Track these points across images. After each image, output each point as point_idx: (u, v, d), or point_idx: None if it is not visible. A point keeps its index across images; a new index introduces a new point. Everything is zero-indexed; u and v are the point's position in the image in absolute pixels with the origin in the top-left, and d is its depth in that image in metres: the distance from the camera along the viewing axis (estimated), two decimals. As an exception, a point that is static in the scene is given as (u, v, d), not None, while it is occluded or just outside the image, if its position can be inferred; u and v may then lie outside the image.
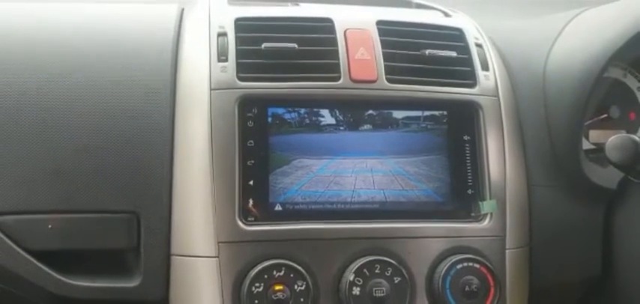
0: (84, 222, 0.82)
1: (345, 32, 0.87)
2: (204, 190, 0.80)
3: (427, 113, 0.87)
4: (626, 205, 0.91)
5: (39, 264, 0.82)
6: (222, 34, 0.87)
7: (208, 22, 0.89)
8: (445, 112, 0.87)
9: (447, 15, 1.00)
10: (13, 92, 0.84)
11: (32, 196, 0.81)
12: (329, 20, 0.89)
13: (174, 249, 0.83)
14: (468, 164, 0.87)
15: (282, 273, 0.78)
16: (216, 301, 0.79)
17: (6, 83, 0.84)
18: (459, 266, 0.82)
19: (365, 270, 0.80)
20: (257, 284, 0.78)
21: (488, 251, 0.85)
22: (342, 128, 0.85)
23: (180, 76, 0.86)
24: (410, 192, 0.85)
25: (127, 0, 1.01)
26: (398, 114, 0.86)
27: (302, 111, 0.84)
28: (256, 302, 0.78)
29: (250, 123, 0.83)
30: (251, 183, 0.81)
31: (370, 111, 0.86)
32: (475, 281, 0.82)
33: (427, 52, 0.89)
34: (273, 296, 0.78)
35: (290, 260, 0.79)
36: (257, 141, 0.82)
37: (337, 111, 0.85)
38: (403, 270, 0.81)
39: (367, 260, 0.80)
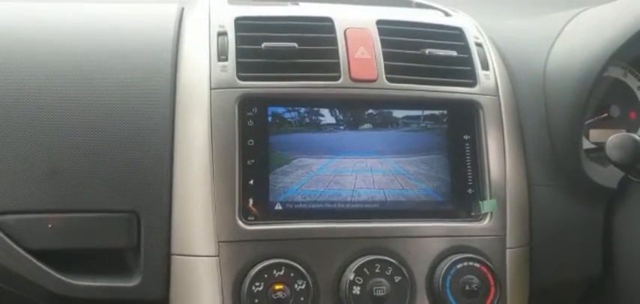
0: (84, 222, 0.82)
1: (345, 31, 0.87)
2: (204, 189, 0.80)
3: (427, 112, 0.87)
4: (626, 204, 0.91)
5: (39, 264, 0.82)
6: (222, 34, 0.87)
7: (208, 21, 0.89)
8: (445, 112, 0.87)
9: (447, 14, 1.00)
10: (13, 91, 0.84)
11: (32, 195, 0.81)
12: (329, 19, 0.89)
13: (174, 249, 0.82)
14: (468, 163, 0.87)
15: (282, 273, 0.78)
16: (217, 300, 0.79)
17: (6, 82, 0.84)
18: (459, 266, 0.82)
19: (365, 270, 0.80)
20: (257, 284, 0.78)
21: (488, 250, 0.85)
22: (342, 127, 0.85)
23: (180, 76, 0.86)
24: (410, 192, 0.85)
25: (127, 0, 1.01)
26: (398, 113, 0.86)
27: (302, 110, 0.84)
28: (256, 301, 0.78)
29: (250, 123, 0.83)
30: (251, 182, 0.81)
31: (370, 111, 0.86)
32: (475, 280, 0.82)
33: (427, 51, 0.89)
34: (273, 296, 0.78)
35: (290, 259, 0.79)
36: (257, 140, 0.82)
37: (337, 111, 0.85)
38: (403, 269, 0.81)
39: (367, 259, 0.80)
